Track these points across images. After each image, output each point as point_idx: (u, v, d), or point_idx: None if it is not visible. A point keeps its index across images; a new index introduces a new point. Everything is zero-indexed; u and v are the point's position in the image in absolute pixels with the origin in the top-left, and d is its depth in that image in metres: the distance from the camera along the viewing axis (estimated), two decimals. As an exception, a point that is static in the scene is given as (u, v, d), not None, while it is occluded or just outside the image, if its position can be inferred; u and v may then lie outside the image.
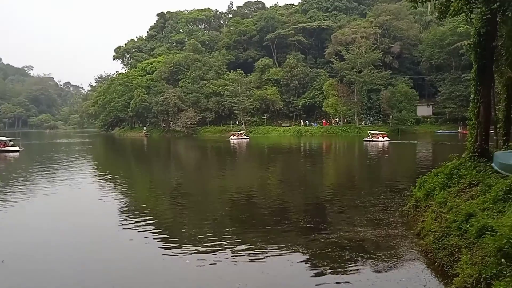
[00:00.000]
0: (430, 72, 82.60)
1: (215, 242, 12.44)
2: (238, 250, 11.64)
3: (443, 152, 33.77)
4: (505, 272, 6.92)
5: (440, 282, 8.87)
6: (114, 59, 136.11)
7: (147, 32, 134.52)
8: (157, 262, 11.16)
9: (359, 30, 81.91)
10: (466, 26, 60.15)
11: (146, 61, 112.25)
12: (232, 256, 11.24)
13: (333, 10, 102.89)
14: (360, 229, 13.03)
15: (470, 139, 14.48)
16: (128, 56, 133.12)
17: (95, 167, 37.51)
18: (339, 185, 23.68)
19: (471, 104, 14.64)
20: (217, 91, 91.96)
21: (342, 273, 9.83)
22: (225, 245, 12.15)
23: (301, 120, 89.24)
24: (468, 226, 9.22)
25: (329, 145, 59.48)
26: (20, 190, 22.10)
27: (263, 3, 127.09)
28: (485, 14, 12.78)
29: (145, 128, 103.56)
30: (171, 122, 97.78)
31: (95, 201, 19.80)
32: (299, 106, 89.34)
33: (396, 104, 75.55)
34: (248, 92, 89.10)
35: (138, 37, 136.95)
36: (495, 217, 8.94)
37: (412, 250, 10.93)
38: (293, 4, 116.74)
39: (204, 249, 11.82)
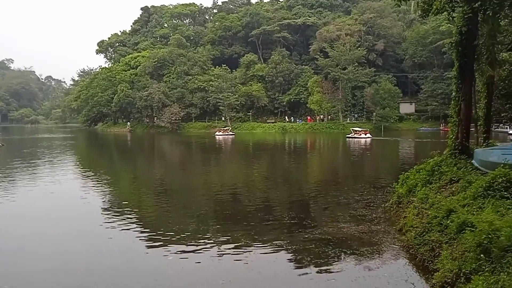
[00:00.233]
0: (413, 70, 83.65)
1: (199, 238, 12.42)
2: (222, 247, 11.63)
3: (425, 149, 34.33)
4: (484, 267, 7.07)
5: (421, 277, 9.02)
6: (97, 53, 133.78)
7: (131, 26, 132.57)
8: (140, 258, 11.09)
9: (344, 27, 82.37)
10: (449, 25, 60.92)
11: (130, 55, 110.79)
12: (216, 252, 11.23)
13: (318, 7, 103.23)
14: (343, 225, 13.15)
15: (451, 136, 14.73)
16: (111, 50, 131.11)
17: (78, 163, 36.98)
18: (323, 182, 23.84)
19: (452, 102, 14.88)
20: (202, 87, 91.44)
21: (326, 268, 9.92)
22: (210, 241, 12.13)
23: (286, 117, 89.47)
24: (448, 222, 9.38)
25: (313, 142, 59.82)
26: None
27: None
28: (467, 13, 12.98)
29: (128, 123, 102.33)
30: (155, 118, 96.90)
31: (77, 198, 19.46)
32: (284, 103, 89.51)
33: (379, 101, 76.36)
34: (233, 88, 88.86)
35: (122, 31, 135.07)
36: (474, 213, 9.12)
37: (394, 246, 11.08)
38: (279, 0, 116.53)
39: (188, 245, 11.78)
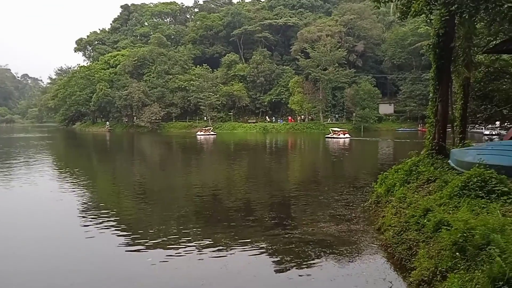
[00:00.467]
0: (392, 71, 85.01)
1: (179, 239, 12.29)
2: (202, 247, 11.55)
3: (403, 149, 34.88)
4: (459, 265, 7.18)
5: (399, 275, 9.13)
6: (75, 51, 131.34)
7: (111, 24, 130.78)
8: (119, 259, 10.91)
9: (325, 28, 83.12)
10: (426, 27, 62.24)
11: (109, 54, 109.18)
12: (196, 253, 11.14)
13: (300, 7, 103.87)
14: (323, 225, 13.23)
15: (428, 136, 15.01)
16: (90, 48, 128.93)
17: (55, 163, 36.19)
18: (303, 182, 23.95)
19: (430, 103, 15.15)
20: (182, 86, 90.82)
21: (305, 268, 9.95)
22: (190, 242, 12.02)
23: (267, 117, 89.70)
24: (425, 221, 9.51)
25: (294, 142, 60.10)
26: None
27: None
28: (444, 15, 13.24)
29: (107, 123, 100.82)
30: (135, 117, 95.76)
31: (53, 199, 19.00)
32: (265, 103, 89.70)
33: (359, 102, 77.32)
34: (214, 87, 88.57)
35: (101, 29, 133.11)
36: (450, 212, 9.29)
37: (373, 245, 11.20)
38: (260, 0, 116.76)
39: (168, 246, 11.64)
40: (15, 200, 19.06)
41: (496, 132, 50.61)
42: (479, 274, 6.51)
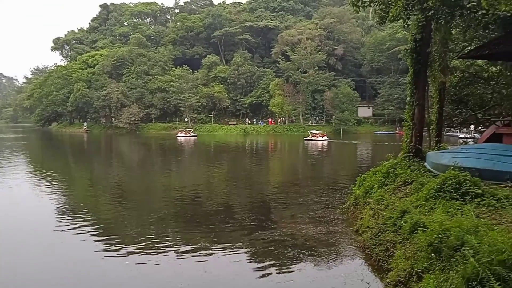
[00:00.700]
0: (371, 75, 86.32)
1: (158, 242, 12.15)
2: (181, 250, 11.46)
3: (381, 151, 35.40)
4: (434, 266, 7.31)
5: (376, 276, 9.25)
6: (52, 50, 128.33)
7: (89, 23, 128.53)
8: (96, 264, 10.70)
9: (305, 31, 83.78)
10: (404, 32, 63.44)
11: (88, 53, 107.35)
12: (175, 256, 11.04)
13: (280, 10, 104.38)
14: (302, 227, 13.29)
15: (405, 139, 15.29)
16: (68, 47, 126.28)
17: (30, 165, 35.28)
18: (283, 184, 24.02)
19: (407, 106, 15.44)
20: (162, 87, 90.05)
21: (285, 270, 9.98)
22: (168, 245, 11.91)
23: (248, 119, 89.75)
24: (402, 222, 9.66)
25: (274, 144, 60.29)
26: None
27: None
28: (421, 21, 13.52)
29: (85, 123, 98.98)
30: (114, 118, 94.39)
31: (28, 201, 18.59)
32: (246, 105, 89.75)
33: (338, 105, 78.17)
34: (194, 89, 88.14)
35: (79, 28, 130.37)
36: (426, 213, 9.45)
37: (351, 246, 11.32)
38: (241, 3, 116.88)
39: (146, 249, 11.49)
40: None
41: (470, 135, 51.83)
42: (454, 274, 6.63)
